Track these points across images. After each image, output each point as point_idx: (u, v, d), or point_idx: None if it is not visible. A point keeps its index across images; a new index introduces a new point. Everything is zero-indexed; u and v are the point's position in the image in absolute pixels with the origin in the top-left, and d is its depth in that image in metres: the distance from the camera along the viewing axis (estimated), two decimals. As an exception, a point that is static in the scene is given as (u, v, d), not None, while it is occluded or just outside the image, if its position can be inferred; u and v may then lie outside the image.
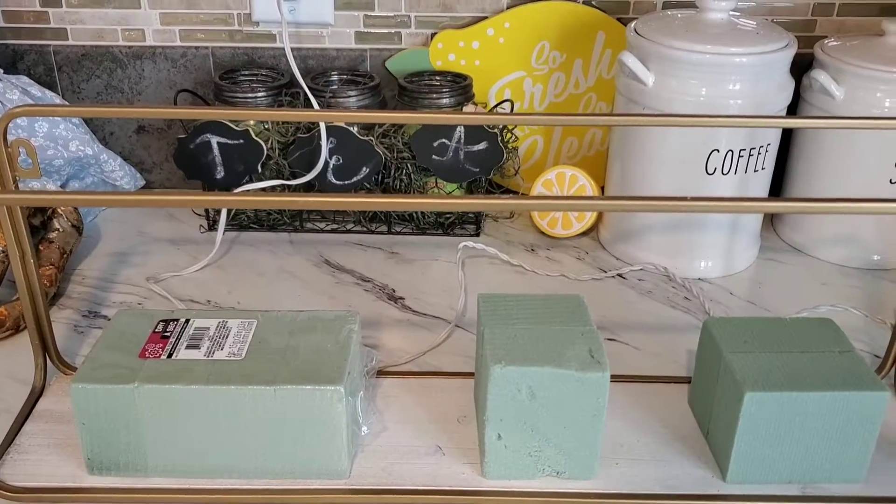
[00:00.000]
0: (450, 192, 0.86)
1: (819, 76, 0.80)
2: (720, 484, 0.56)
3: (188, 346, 0.56)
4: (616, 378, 0.65)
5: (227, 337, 0.57)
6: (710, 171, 0.77)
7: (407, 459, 0.57)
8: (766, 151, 0.78)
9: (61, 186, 0.84)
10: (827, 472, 0.55)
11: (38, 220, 0.78)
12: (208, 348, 0.56)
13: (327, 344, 0.57)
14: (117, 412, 0.53)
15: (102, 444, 0.55)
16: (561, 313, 0.58)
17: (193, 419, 0.53)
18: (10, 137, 0.55)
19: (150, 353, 0.55)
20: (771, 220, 0.91)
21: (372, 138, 0.82)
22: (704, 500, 0.55)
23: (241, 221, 0.87)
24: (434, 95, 0.83)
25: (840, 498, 0.55)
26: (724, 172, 0.77)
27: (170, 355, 0.55)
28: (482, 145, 0.82)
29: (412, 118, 0.69)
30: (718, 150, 0.76)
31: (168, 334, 0.57)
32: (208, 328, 0.58)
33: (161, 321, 0.59)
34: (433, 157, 0.83)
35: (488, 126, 0.82)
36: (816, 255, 0.86)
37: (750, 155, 0.77)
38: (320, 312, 0.60)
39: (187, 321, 0.59)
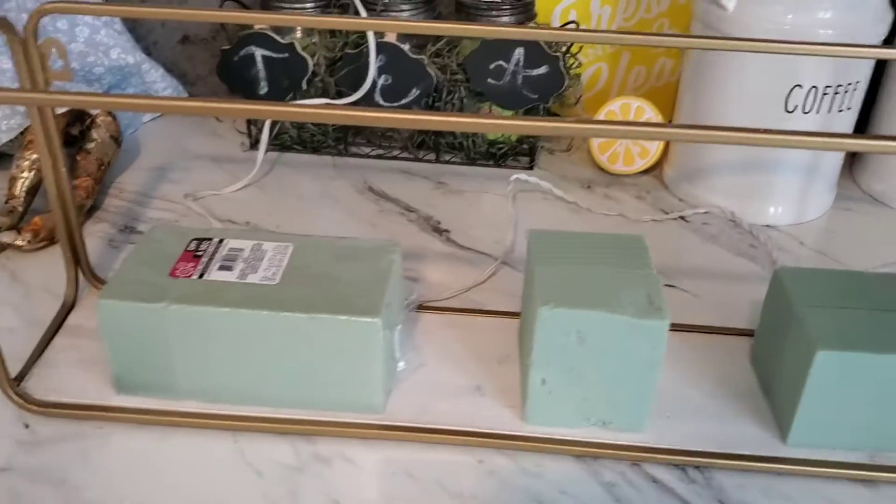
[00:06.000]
0: (504, 120, 0.81)
1: (921, 8, 0.72)
2: (780, 446, 0.52)
3: (220, 268, 0.53)
4: (672, 326, 0.61)
5: (261, 260, 0.54)
6: (791, 108, 0.70)
7: (445, 398, 0.54)
8: (855, 90, 0.71)
9: (102, 96, 0.81)
10: (900, 442, 0.51)
11: (77, 130, 0.75)
12: (241, 271, 0.53)
13: (366, 274, 0.53)
14: (145, 332, 0.51)
15: (130, 363, 0.52)
16: (619, 254, 0.54)
17: (223, 343, 0.51)
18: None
19: (180, 272, 0.53)
20: (850, 166, 0.85)
21: (424, 57, 0.77)
22: (761, 461, 0.51)
23: (284, 142, 0.83)
24: (493, 13, 0.78)
25: (912, 469, 0.51)
26: (806, 111, 0.70)
27: (201, 276, 0.52)
28: (542, 69, 0.77)
29: (464, 30, 0.63)
30: (801, 86, 0.69)
31: (201, 253, 0.54)
32: (243, 250, 0.55)
33: (194, 239, 0.56)
34: (489, 80, 0.77)
35: (550, 48, 0.76)
36: (898, 206, 0.79)
37: (836, 93, 0.70)
38: (360, 241, 0.57)
39: (221, 241, 0.56)
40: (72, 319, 0.60)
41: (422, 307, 0.62)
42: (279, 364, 0.51)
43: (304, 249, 0.55)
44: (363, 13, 0.76)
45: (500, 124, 0.46)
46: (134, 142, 0.84)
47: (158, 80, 0.83)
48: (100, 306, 0.51)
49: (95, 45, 0.77)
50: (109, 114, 0.76)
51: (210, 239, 0.56)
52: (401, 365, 0.55)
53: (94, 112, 0.75)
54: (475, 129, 0.43)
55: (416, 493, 0.49)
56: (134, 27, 0.85)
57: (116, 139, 0.76)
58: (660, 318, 0.48)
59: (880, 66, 0.78)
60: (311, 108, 0.41)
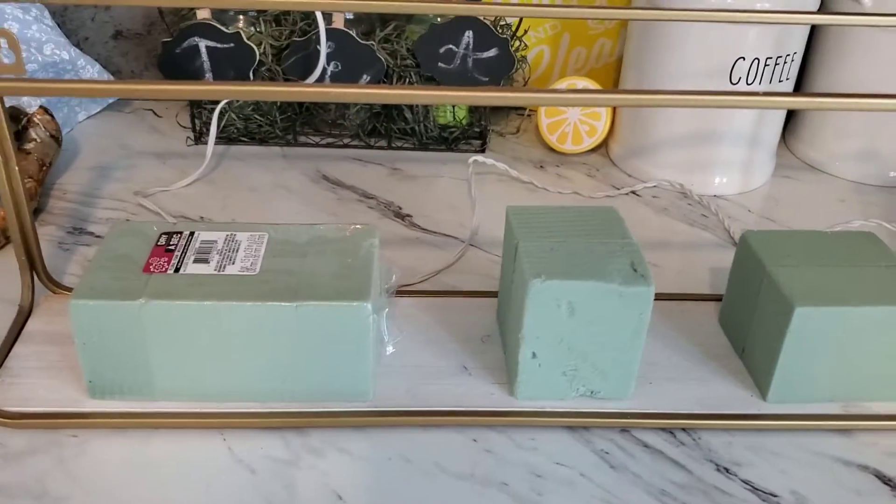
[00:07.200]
0: (455, 105, 0.81)
1: (847, -18, 0.76)
2: (760, 403, 0.54)
3: (196, 261, 0.51)
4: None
5: (237, 251, 0.52)
6: (735, 80, 0.73)
7: (432, 380, 0.54)
8: (793, 60, 0.74)
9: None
10: (870, 390, 0.54)
11: (13, 130, 0.71)
12: (218, 262, 0.51)
13: (348, 259, 0.52)
14: (122, 331, 0.49)
15: (105, 366, 0.50)
16: (596, 226, 0.54)
17: (206, 338, 0.49)
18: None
19: (154, 268, 0.51)
20: (783, 137, 0.88)
21: (373, 43, 0.76)
22: (745, 419, 0.53)
23: (230, 134, 0.81)
24: (440, -2, 0.77)
25: (882, 416, 0.53)
26: (749, 83, 0.73)
27: (177, 269, 0.51)
28: (492, 52, 0.77)
29: (403, 7, 0.62)
30: (744, 58, 0.72)
31: (172, 247, 0.52)
32: (216, 241, 0.53)
33: (163, 234, 0.54)
34: (439, 64, 0.77)
35: (499, 31, 0.76)
36: (832, 171, 0.83)
37: (776, 64, 0.73)
38: (335, 227, 0.56)
39: (192, 234, 0.54)
40: (30, 326, 0.57)
41: (397, 292, 0.62)
42: (265, 357, 0.50)
43: (280, 238, 0.54)
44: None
45: (465, 96, 0.45)
46: (71, 141, 0.80)
47: (95, 76, 0.79)
48: (73, 308, 0.48)
49: (27, 41, 0.73)
50: (47, 112, 0.72)
51: (180, 232, 0.54)
52: (389, 349, 0.54)
53: (30, 110, 0.71)
54: (439, 102, 0.42)
55: (416, 476, 0.48)
56: (63, 22, 0.81)
57: (57, 138, 0.73)
58: (645, 285, 0.49)
59: (809, 41, 0.82)
60: (280, 87, 0.40)
